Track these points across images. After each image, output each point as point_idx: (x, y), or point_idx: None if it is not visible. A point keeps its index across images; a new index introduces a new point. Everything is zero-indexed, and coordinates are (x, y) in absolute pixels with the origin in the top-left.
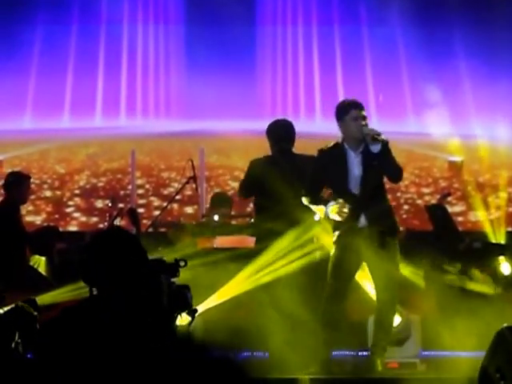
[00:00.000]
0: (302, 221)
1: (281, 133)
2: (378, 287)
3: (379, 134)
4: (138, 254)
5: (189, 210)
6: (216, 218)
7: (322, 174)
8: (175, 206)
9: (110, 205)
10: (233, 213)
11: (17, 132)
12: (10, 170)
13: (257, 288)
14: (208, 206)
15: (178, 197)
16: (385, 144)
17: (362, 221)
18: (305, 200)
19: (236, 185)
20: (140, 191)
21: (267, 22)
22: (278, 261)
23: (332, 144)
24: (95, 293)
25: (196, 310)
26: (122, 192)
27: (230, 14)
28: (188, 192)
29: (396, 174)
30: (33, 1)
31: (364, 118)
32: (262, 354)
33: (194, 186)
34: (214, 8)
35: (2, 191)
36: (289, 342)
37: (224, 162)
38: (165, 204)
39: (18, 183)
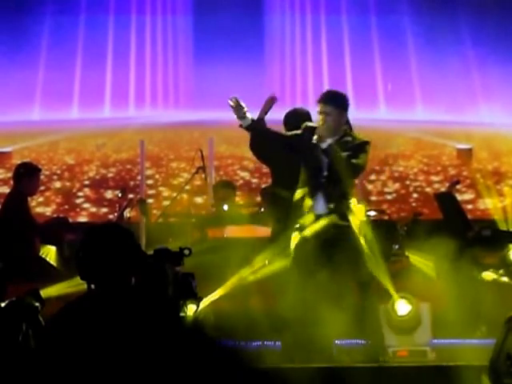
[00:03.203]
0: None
1: (298, 121)
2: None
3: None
4: (133, 248)
5: (198, 200)
6: (226, 207)
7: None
8: (185, 196)
9: (119, 195)
10: (242, 202)
11: (26, 123)
12: (19, 162)
13: (267, 277)
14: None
15: (187, 187)
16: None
17: (320, 208)
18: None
19: (245, 174)
20: (149, 181)
21: (275, 11)
22: (288, 248)
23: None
24: (93, 288)
25: (201, 298)
26: (131, 182)
27: (238, 2)
28: (197, 182)
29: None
30: None
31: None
32: (273, 343)
33: (203, 175)
34: None
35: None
36: (300, 331)
37: (233, 152)
38: (174, 194)
39: (29, 175)
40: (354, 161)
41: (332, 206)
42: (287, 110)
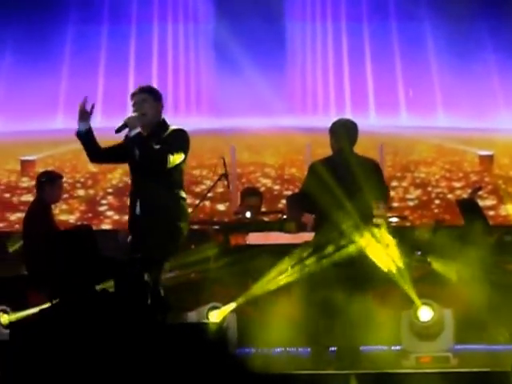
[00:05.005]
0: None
1: (342, 132)
2: None
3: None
4: (92, 254)
5: (221, 207)
6: (248, 214)
7: None
8: (207, 203)
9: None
10: (264, 209)
11: (49, 132)
12: (42, 170)
13: (290, 284)
14: (239, 201)
15: (209, 194)
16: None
17: (137, 209)
18: None
19: (267, 181)
20: None
21: (296, 18)
22: (311, 256)
23: None
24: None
25: (171, 308)
26: None
27: (259, 10)
28: (220, 189)
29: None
30: (63, 1)
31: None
32: (296, 350)
33: (225, 183)
34: (243, 5)
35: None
36: (322, 337)
37: (255, 159)
38: (197, 201)
39: (51, 183)
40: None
41: None
42: (334, 120)
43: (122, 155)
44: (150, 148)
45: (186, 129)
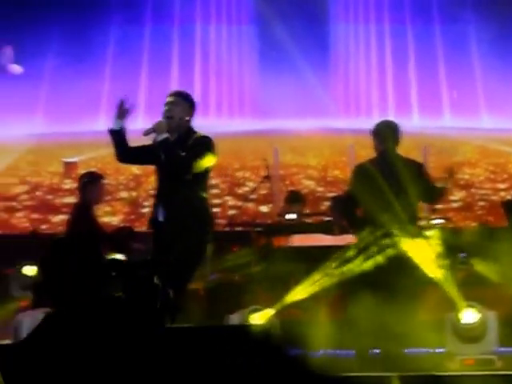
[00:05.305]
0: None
1: (386, 133)
2: None
3: (150, 128)
4: (93, 260)
5: (264, 208)
6: (291, 216)
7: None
8: (250, 205)
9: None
10: (308, 211)
11: (92, 133)
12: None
13: (332, 286)
14: (282, 203)
15: (252, 196)
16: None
17: (160, 214)
18: None
19: (310, 183)
20: (215, 191)
21: (340, 21)
22: (355, 258)
23: None
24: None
25: (179, 309)
26: None
27: (303, 12)
28: (263, 191)
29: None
30: (106, 3)
31: (170, 103)
32: (345, 352)
33: (268, 185)
34: (287, 7)
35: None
36: (366, 339)
37: (298, 161)
38: (240, 203)
39: (92, 183)
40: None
41: None
42: (377, 122)
43: (149, 158)
44: (175, 154)
45: (211, 136)
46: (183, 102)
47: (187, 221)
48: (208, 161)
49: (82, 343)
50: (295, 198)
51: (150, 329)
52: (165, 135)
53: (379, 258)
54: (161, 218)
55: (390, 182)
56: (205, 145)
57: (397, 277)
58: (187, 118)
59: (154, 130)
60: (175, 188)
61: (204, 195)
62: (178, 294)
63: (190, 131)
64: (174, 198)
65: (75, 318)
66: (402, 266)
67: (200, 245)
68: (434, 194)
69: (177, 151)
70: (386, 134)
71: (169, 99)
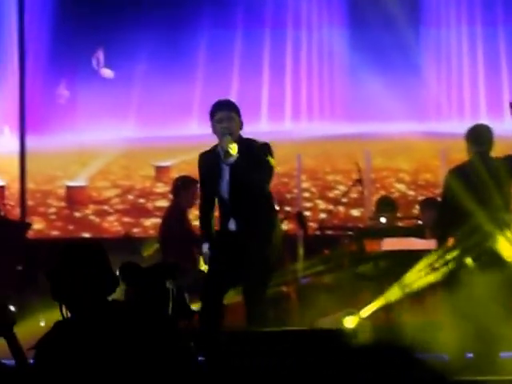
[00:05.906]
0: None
1: (479, 137)
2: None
3: (228, 152)
4: (102, 266)
5: (355, 212)
6: (383, 220)
7: (201, 176)
8: (341, 208)
9: (277, 208)
10: (399, 215)
11: (184, 138)
12: (177, 176)
13: (425, 290)
14: (374, 209)
15: (344, 199)
16: (236, 160)
17: (232, 225)
18: None
19: (401, 187)
20: (306, 194)
21: (431, 24)
22: (447, 262)
23: (211, 147)
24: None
25: (194, 313)
26: (288, 195)
27: (394, 15)
28: (354, 195)
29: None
30: (196, 6)
31: (226, 120)
32: (440, 356)
33: (360, 188)
34: (378, 10)
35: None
36: (459, 342)
37: (389, 165)
38: (331, 207)
39: (185, 187)
40: None
41: None
42: (470, 126)
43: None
44: (253, 176)
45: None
46: (236, 116)
47: (265, 231)
48: (274, 166)
49: (91, 349)
50: (386, 204)
51: (159, 334)
52: (236, 156)
53: (472, 262)
54: (232, 228)
55: (483, 185)
56: (270, 151)
57: (492, 278)
58: (239, 130)
59: (231, 154)
60: (247, 200)
61: (269, 201)
62: (258, 303)
63: (242, 139)
64: (247, 209)
65: (84, 325)
66: (498, 266)
67: (277, 254)
68: None
69: (253, 173)
70: (478, 138)
71: (224, 115)
